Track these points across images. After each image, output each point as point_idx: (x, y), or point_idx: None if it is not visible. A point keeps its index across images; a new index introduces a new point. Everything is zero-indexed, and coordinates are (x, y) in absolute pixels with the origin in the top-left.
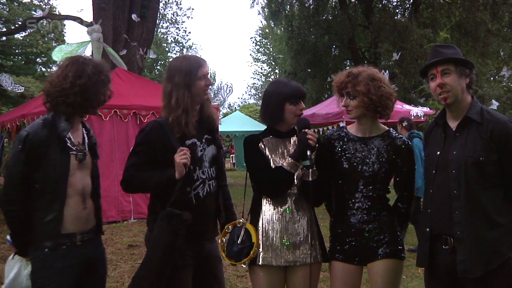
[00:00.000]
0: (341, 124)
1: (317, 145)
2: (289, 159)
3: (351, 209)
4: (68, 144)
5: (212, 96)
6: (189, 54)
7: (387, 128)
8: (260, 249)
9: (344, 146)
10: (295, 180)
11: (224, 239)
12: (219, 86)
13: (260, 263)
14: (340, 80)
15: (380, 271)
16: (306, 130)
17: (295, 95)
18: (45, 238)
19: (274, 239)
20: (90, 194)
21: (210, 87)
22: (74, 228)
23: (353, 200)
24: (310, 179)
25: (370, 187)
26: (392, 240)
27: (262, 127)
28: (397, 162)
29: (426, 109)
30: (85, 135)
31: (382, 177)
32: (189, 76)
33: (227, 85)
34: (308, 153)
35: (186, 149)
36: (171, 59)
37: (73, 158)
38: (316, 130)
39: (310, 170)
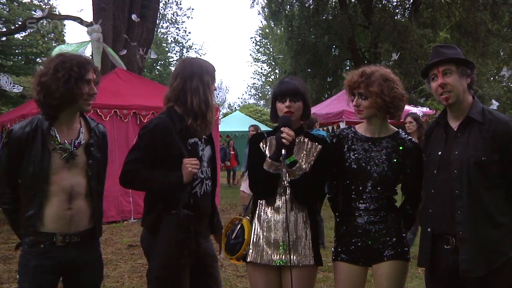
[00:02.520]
0: (341, 124)
1: (294, 142)
2: (268, 159)
3: (358, 210)
4: (51, 142)
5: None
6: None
7: (396, 129)
8: (251, 247)
9: (353, 146)
10: (285, 180)
11: (228, 233)
12: (219, 86)
13: (248, 260)
14: (353, 79)
15: (385, 273)
16: (282, 129)
17: (281, 92)
18: (25, 234)
19: (262, 238)
20: (84, 194)
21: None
22: (55, 228)
23: (361, 201)
24: (284, 178)
25: (379, 188)
26: (398, 242)
27: (262, 127)
28: (405, 163)
29: (425, 109)
30: (81, 133)
31: (391, 178)
32: (213, 79)
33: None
34: (283, 152)
35: (197, 160)
36: (183, 59)
37: (57, 157)
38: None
39: (284, 169)
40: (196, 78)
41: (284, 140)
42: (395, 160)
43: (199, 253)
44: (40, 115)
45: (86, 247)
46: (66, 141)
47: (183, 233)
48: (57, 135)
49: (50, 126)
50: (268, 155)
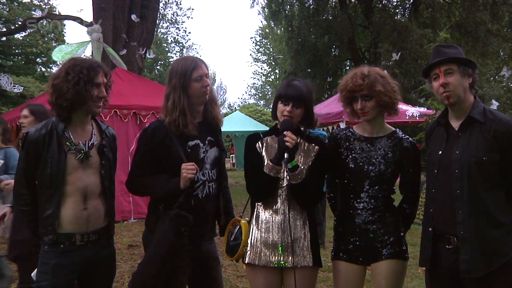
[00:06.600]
0: (341, 124)
1: (297, 146)
2: (269, 162)
3: (355, 209)
4: (67, 143)
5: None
6: (189, 55)
7: (394, 129)
8: (248, 248)
9: (351, 146)
10: (284, 182)
11: (228, 235)
12: (219, 86)
13: (246, 261)
14: (357, 83)
15: (384, 272)
16: (285, 132)
17: (286, 95)
18: (45, 233)
19: (260, 239)
20: (98, 194)
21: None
22: (73, 228)
23: (358, 200)
24: (283, 180)
25: (376, 187)
26: (396, 241)
27: (262, 127)
28: (403, 162)
29: (423, 109)
30: (93, 135)
31: (388, 178)
32: (184, 78)
33: (221, 87)
34: (286, 155)
35: (194, 164)
36: (173, 60)
37: (72, 157)
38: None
39: (286, 173)
40: (167, 83)
41: (288, 144)
42: (392, 159)
43: (199, 255)
44: (53, 117)
45: (102, 244)
46: (80, 142)
47: (173, 232)
48: (71, 137)
49: (65, 128)
50: (265, 157)
